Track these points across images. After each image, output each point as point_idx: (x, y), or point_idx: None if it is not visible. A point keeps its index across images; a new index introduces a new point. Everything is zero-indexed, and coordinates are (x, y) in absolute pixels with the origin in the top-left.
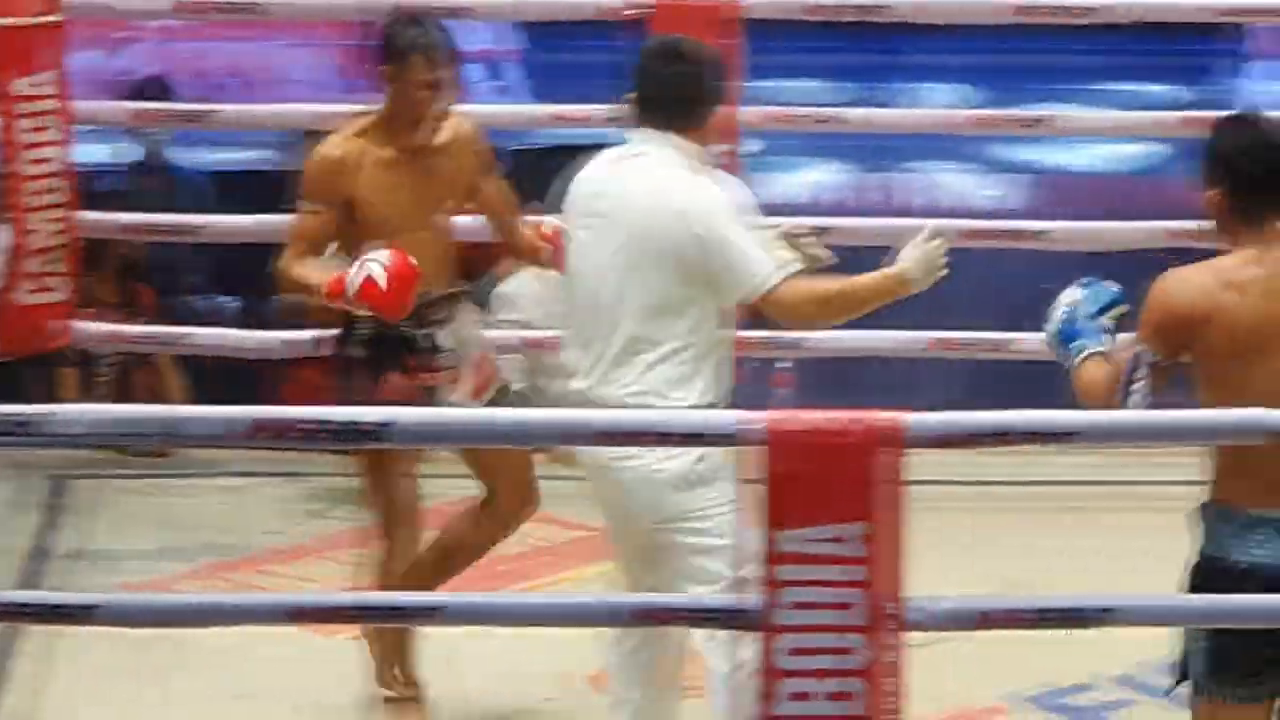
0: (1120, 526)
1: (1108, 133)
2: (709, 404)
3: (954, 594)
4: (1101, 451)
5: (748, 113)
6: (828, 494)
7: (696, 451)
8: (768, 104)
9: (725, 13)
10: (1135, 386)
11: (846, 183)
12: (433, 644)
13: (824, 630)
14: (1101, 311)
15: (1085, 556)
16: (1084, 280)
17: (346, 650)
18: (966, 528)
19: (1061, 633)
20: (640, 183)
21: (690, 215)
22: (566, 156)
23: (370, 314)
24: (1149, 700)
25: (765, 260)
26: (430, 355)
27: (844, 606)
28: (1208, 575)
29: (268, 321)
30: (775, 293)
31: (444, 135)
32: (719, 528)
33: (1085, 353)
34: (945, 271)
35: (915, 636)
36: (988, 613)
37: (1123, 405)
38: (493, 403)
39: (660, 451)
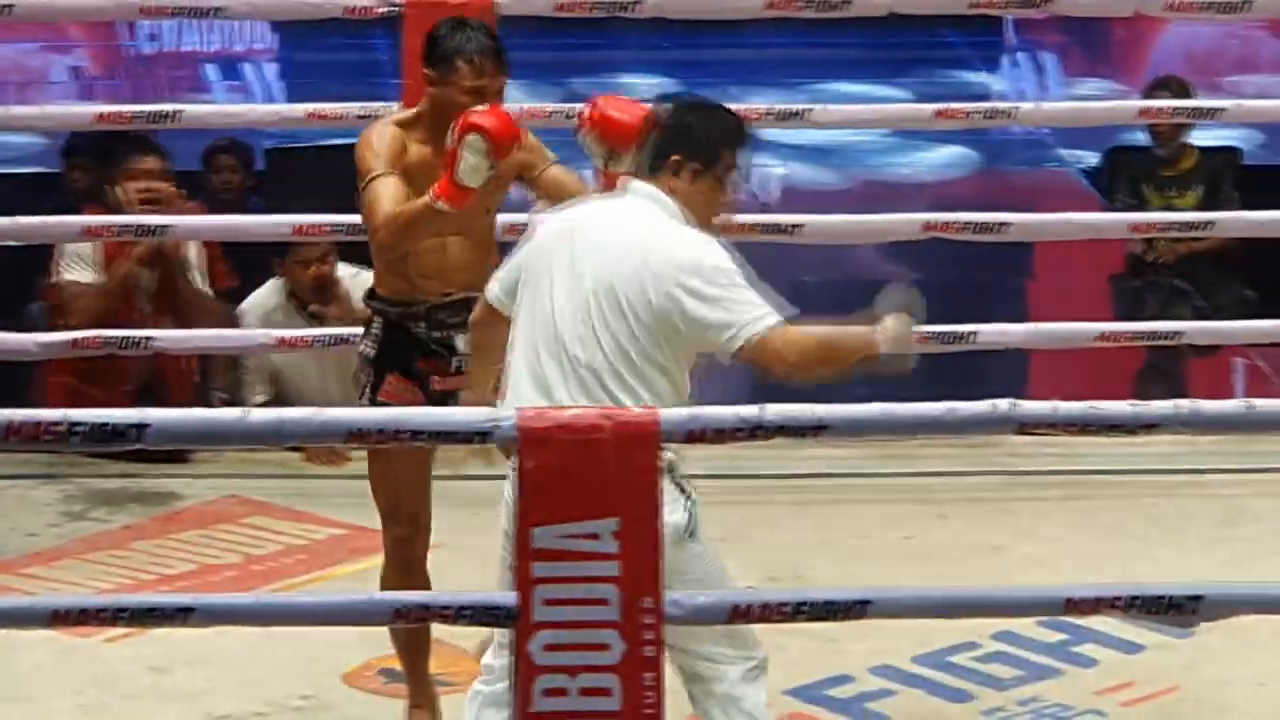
0: (880, 518)
1: (864, 125)
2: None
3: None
4: (858, 444)
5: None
6: (581, 490)
7: (682, 504)
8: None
9: (477, 10)
10: None
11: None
12: (192, 645)
13: (579, 626)
14: None
15: (846, 549)
16: None
17: (109, 652)
18: (727, 521)
19: (821, 625)
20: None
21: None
22: (320, 155)
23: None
24: (908, 690)
25: (756, 305)
26: (443, 359)
27: (599, 602)
28: None
29: (25, 324)
30: (763, 339)
31: None
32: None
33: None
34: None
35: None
36: (742, 606)
37: None
38: None
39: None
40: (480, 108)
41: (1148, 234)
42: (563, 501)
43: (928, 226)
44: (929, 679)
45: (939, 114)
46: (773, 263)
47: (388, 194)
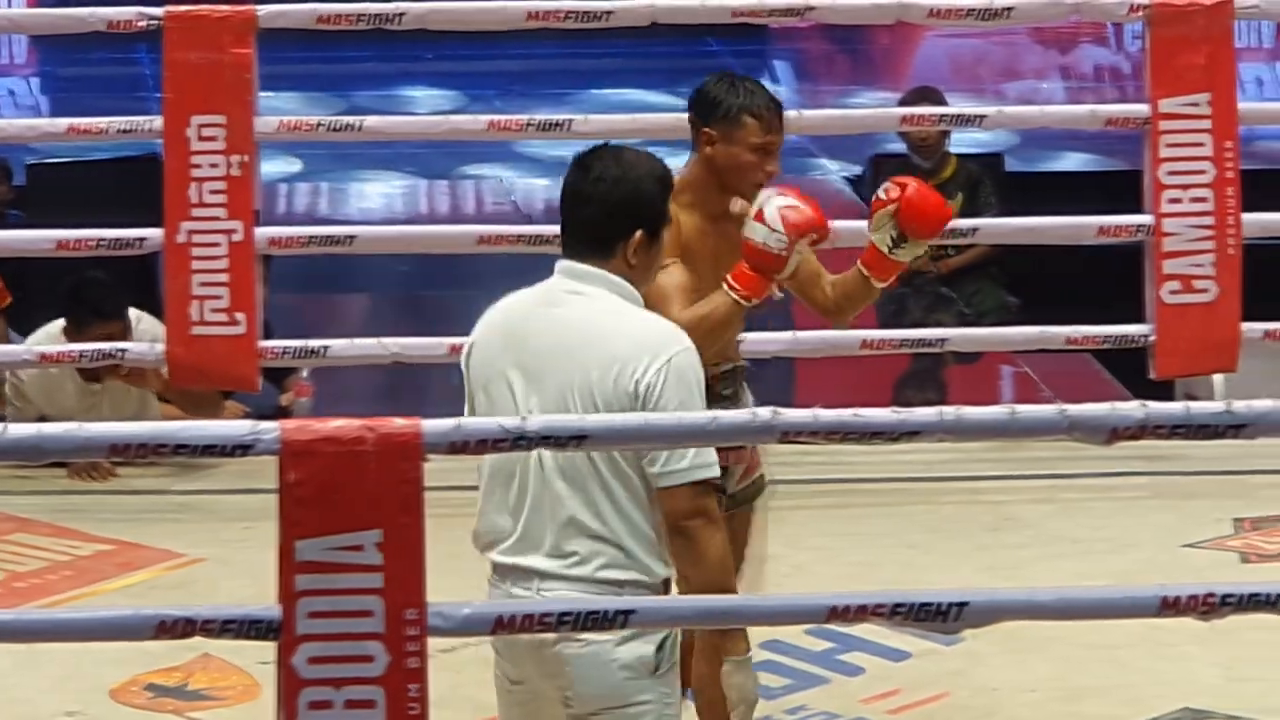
0: None
1: (628, 135)
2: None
3: (479, 599)
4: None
5: (264, 124)
6: (344, 502)
7: (657, 637)
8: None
9: (239, 23)
10: None
11: (416, 191)
12: None
13: (343, 638)
14: None
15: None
16: None
17: None
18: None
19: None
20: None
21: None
22: (85, 170)
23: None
24: None
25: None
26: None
27: (363, 614)
28: None
29: None
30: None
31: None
32: None
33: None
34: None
35: (442, 642)
36: (506, 617)
37: None
38: (750, 491)
39: (618, 633)
40: (792, 200)
41: None
42: (326, 514)
43: None
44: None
45: None
46: (540, 275)
47: (677, 288)
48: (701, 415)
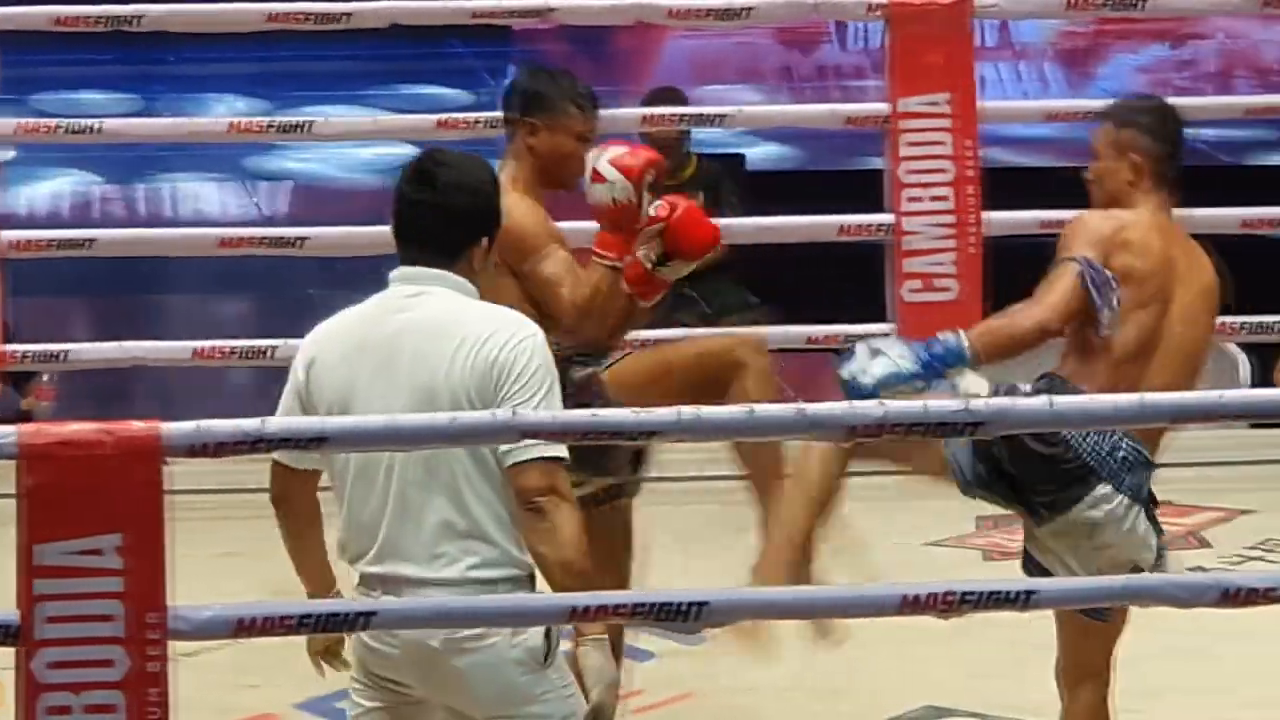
0: None
1: (368, 136)
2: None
3: (223, 602)
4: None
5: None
6: (83, 506)
7: (541, 627)
8: (46, 115)
9: None
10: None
11: (103, 193)
12: None
13: (83, 643)
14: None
15: None
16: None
17: None
18: (239, 537)
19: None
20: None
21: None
22: None
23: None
24: None
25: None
26: None
27: (103, 618)
28: None
29: None
30: None
31: None
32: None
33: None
34: None
35: (185, 646)
36: (247, 620)
37: (1108, 315)
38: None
39: (509, 629)
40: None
41: None
42: (65, 518)
43: None
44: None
45: (441, 124)
46: (280, 277)
47: (567, 270)
48: (442, 417)
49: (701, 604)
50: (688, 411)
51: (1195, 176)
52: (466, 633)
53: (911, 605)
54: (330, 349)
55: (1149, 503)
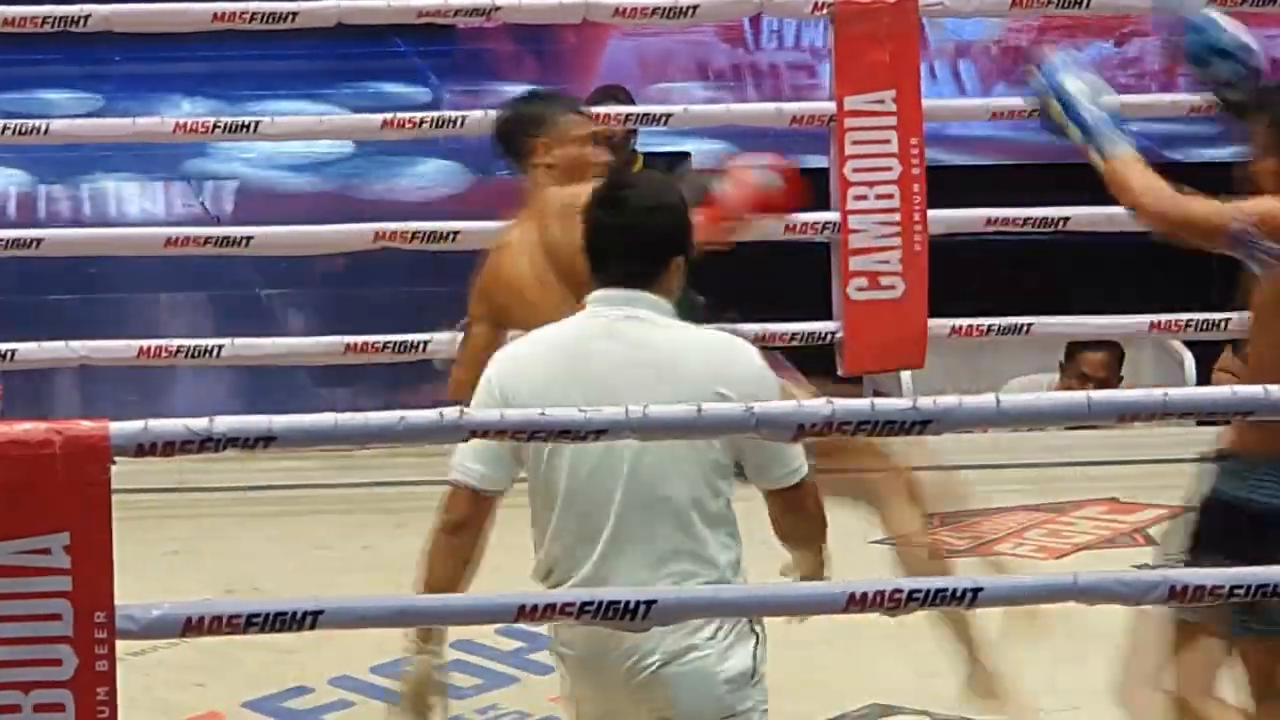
0: (339, 529)
1: (315, 136)
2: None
3: (171, 601)
4: (316, 455)
5: None
6: (31, 505)
7: (750, 645)
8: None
9: None
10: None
11: (48, 193)
12: None
13: (31, 642)
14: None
15: (306, 560)
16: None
17: None
18: (179, 535)
19: (281, 636)
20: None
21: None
22: None
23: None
24: (368, 700)
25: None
26: None
27: (51, 618)
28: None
29: None
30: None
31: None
32: None
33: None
34: None
35: (134, 645)
36: (195, 619)
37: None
38: None
39: (720, 646)
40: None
41: None
42: (13, 517)
43: (378, 236)
44: (389, 689)
45: (387, 124)
46: (229, 277)
47: None
48: (389, 415)
49: (650, 602)
50: (635, 410)
51: None
52: (664, 646)
53: (858, 603)
54: (535, 377)
55: None
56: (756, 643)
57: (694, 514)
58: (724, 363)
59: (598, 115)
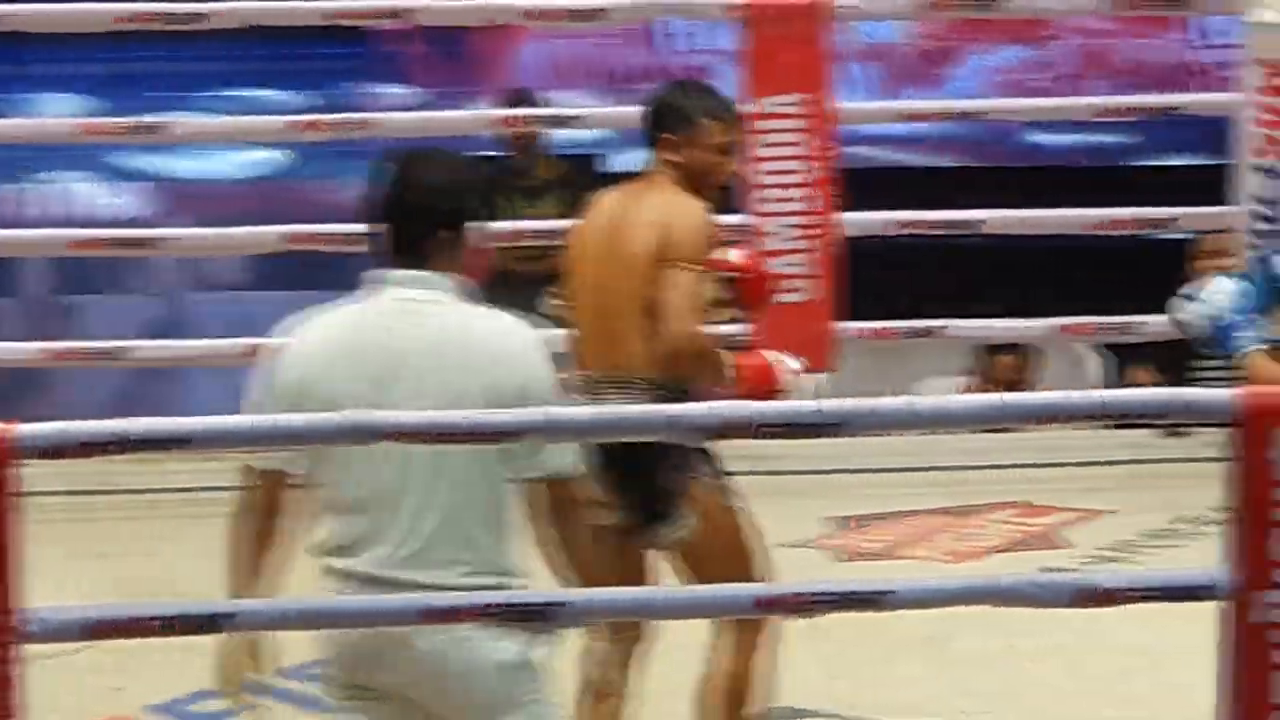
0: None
1: (227, 138)
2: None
3: (79, 603)
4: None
5: None
6: None
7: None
8: None
9: None
10: None
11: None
12: None
13: None
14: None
15: (221, 562)
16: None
17: None
18: (104, 537)
19: (192, 639)
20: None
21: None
22: None
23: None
24: (275, 704)
25: None
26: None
27: None
28: None
29: None
30: None
31: None
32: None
33: (1255, 346)
34: None
35: (40, 648)
36: (106, 621)
37: None
38: None
39: (494, 631)
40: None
41: (509, 244)
42: None
43: (291, 239)
44: (297, 692)
45: (301, 125)
46: (141, 276)
47: (701, 299)
48: (298, 418)
49: (560, 604)
50: (552, 411)
51: (1051, 178)
52: (458, 634)
53: (765, 606)
54: (322, 354)
55: None
56: (534, 636)
57: (462, 496)
58: (509, 347)
59: (506, 118)
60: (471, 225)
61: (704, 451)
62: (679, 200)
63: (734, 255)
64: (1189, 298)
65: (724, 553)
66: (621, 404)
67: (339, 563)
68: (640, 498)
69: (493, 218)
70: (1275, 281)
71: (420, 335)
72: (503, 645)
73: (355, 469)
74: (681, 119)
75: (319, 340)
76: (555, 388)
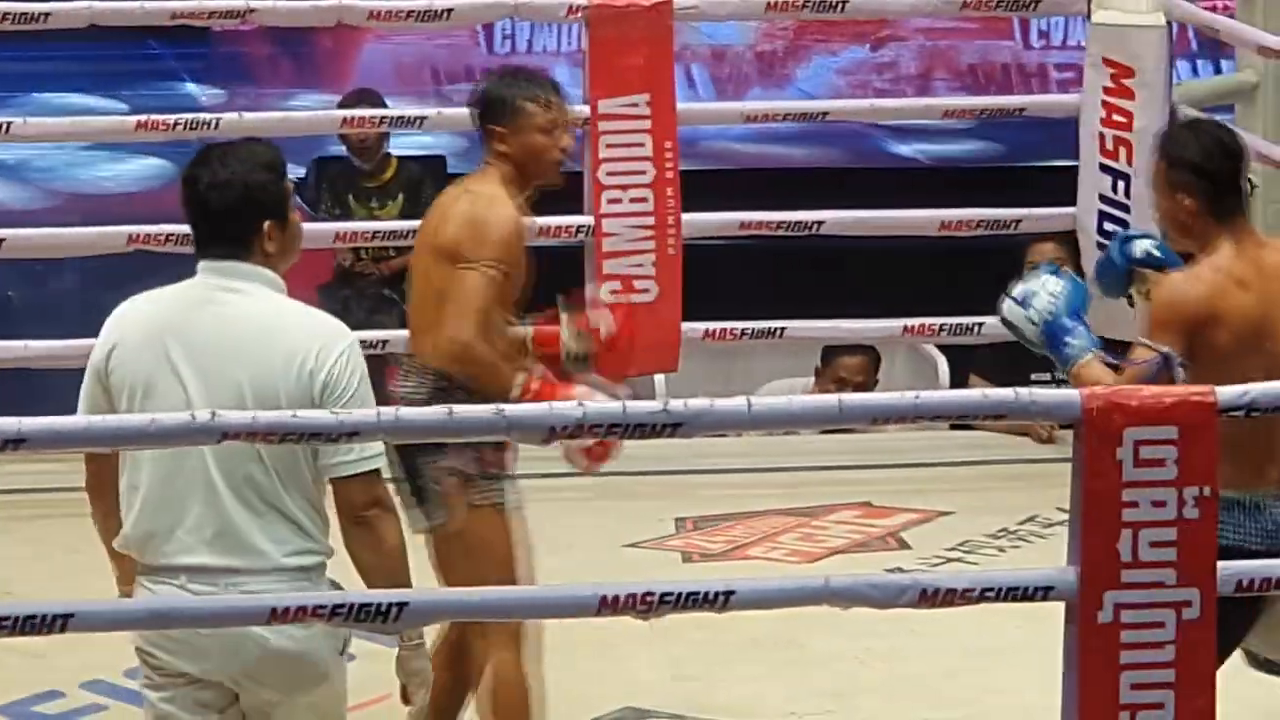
0: (87, 532)
1: (67, 138)
2: None
3: None
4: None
5: None
6: None
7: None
8: None
9: None
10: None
11: None
12: None
13: None
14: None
15: (60, 564)
16: (1050, 268)
17: None
18: None
19: (32, 640)
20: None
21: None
22: None
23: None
24: (122, 705)
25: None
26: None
27: None
28: None
29: None
30: None
31: None
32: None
33: (1088, 353)
34: None
35: None
36: None
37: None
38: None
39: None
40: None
41: (354, 244)
42: None
43: (131, 240)
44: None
45: (140, 125)
46: None
47: (487, 300)
48: (139, 418)
49: (402, 604)
50: (387, 412)
51: (895, 179)
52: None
53: (610, 606)
54: (134, 336)
55: None
56: None
57: (274, 479)
58: (314, 340)
59: (350, 119)
60: (278, 217)
61: (474, 448)
62: (488, 198)
63: (604, 323)
64: (1015, 298)
65: (466, 555)
66: (410, 391)
67: (148, 552)
68: (404, 475)
69: (288, 205)
70: (1132, 263)
71: (219, 323)
72: (311, 632)
73: (158, 454)
74: (503, 108)
75: (128, 321)
76: (359, 381)
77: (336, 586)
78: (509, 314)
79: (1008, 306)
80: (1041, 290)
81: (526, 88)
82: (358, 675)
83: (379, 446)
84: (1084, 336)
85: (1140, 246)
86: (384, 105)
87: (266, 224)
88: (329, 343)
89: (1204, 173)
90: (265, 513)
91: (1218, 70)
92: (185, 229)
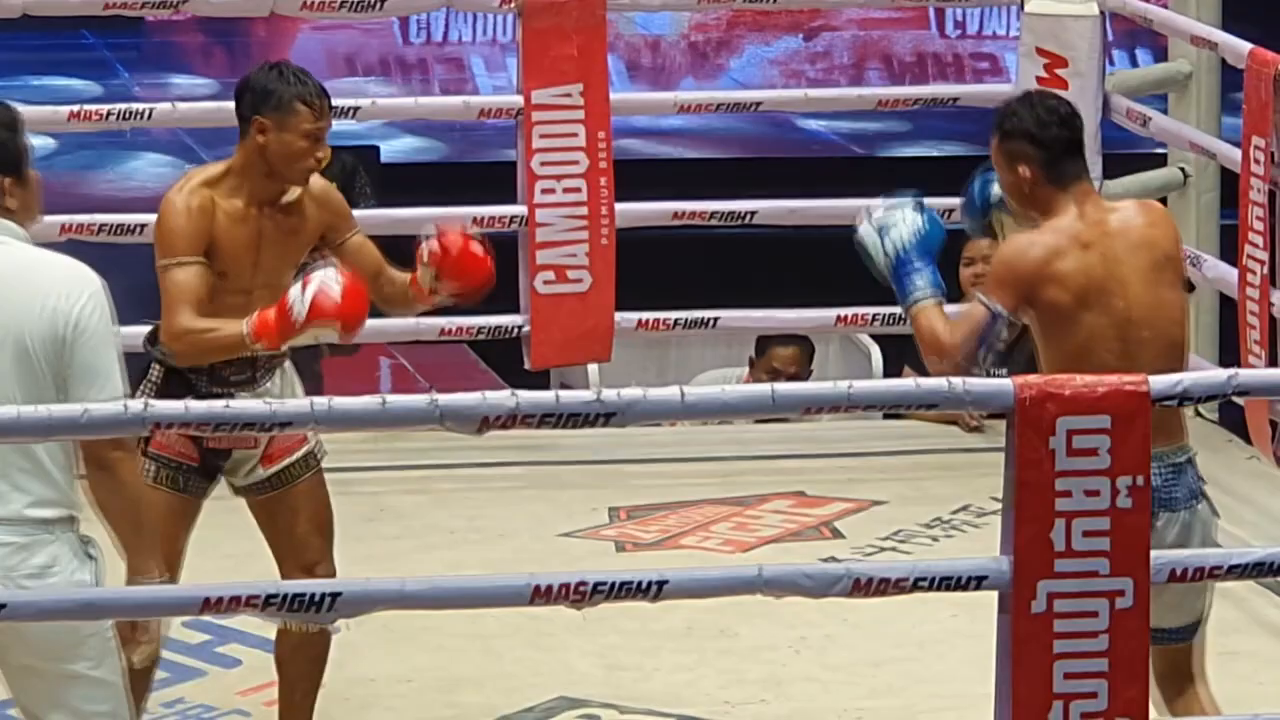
0: None
1: None
2: None
3: None
4: None
5: None
6: None
7: (88, 571)
8: None
9: None
10: (997, 344)
11: None
12: None
13: None
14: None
15: None
16: (916, 202)
17: None
18: None
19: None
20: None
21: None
22: None
23: (315, 335)
24: None
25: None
26: None
27: None
28: None
29: None
30: None
31: (293, 190)
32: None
33: (929, 298)
34: None
35: None
36: None
37: (981, 361)
38: (291, 472)
39: (76, 562)
40: (334, 288)
41: None
42: None
43: (64, 230)
44: None
45: (73, 115)
46: None
47: (189, 290)
48: (74, 407)
49: (334, 595)
50: (320, 402)
51: (827, 168)
52: (29, 568)
53: (543, 596)
54: None
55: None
56: (95, 568)
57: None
58: (61, 282)
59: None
60: (15, 173)
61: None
62: (170, 193)
63: (429, 245)
64: (873, 224)
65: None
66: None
67: None
68: None
69: (25, 160)
70: (988, 203)
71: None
72: (77, 580)
73: None
74: (276, 102)
75: None
76: (105, 324)
77: (86, 542)
78: (244, 284)
79: (864, 229)
80: (901, 223)
81: (304, 90)
82: (269, 661)
83: (123, 387)
84: (929, 279)
85: (998, 189)
86: None
87: (6, 180)
88: (76, 285)
89: (1038, 141)
90: (10, 454)
91: (1162, 59)
92: (118, 219)
